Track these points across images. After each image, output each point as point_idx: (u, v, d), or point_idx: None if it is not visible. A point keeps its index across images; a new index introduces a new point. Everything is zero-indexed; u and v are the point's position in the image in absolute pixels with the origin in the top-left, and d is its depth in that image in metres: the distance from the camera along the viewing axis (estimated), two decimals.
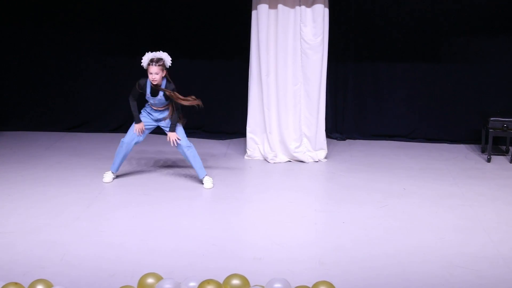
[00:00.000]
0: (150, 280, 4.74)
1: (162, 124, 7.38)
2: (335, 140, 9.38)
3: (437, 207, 6.82)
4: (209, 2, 9.26)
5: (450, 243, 5.92)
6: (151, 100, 7.22)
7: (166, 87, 7.13)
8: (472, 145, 9.16)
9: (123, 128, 9.68)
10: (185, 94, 9.62)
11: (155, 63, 7.01)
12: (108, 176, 7.52)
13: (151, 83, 7.08)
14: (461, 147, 9.11)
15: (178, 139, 7.24)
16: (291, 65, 8.16)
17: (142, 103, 7.42)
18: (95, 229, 6.15)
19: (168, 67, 7.14)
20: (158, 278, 4.77)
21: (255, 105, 8.37)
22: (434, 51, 9.19)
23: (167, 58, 7.11)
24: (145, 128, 7.37)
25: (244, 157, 8.55)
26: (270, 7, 7.99)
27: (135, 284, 4.85)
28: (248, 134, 8.47)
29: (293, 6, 7.99)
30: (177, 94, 7.11)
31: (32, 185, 7.33)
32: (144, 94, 7.22)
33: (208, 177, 7.42)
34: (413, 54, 9.21)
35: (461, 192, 7.29)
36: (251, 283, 4.79)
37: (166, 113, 7.30)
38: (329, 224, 6.42)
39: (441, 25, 9.09)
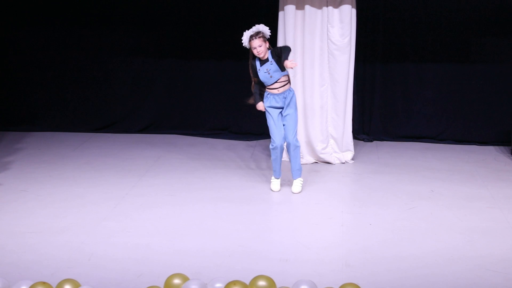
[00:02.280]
0: (176, 281, 4.74)
1: (283, 111, 7.08)
2: (362, 142, 9.34)
3: (466, 210, 6.75)
4: (236, 3, 9.27)
5: (479, 246, 5.85)
6: (264, 73, 6.91)
7: (272, 54, 6.90)
8: (502, 147, 9.06)
9: (151, 128, 9.75)
10: (213, 95, 9.70)
11: (255, 37, 6.86)
12: (275, 183, 7.39)
13: (258, 57, 6.91)
14: (490, 149, 9.02)
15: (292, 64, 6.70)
16: (318, 66, 8.13)
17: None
18: (122, 229, 6.18)
19: (268, 37, 6.95)
20: (185, 278, 4.77)
21: None
22: (463, 51, 9.12)
23: (264, 29, 6.92)
24: (275, 115, 7.07)
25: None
26: (297, 8, 7.98)
27: (161, 284, 4.86)
28: None
29: (320, 7, 7.97)
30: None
31: (60, 185, 7.39)
32: (254, 66, 6.96)
33: (299, 179, 7.31)
34: (442, 54, 9.15)
35: (490, 194, 7.22)
36: (278, 285, 4.78)
37: (288, 93, 7.00)
38: (356, 225, 6.39)
39: (471, 25, 9.01)
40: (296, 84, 8.18)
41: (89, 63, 9.71)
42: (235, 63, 9.44)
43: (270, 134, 7.19)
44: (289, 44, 8.03)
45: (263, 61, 6.94)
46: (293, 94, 7.08)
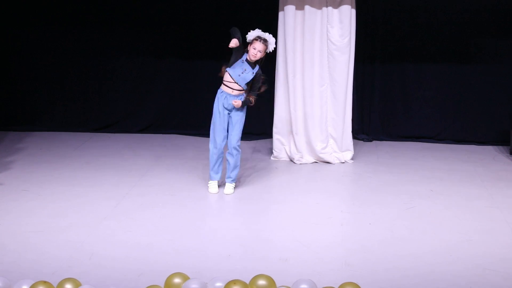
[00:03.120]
0: (176, 280, 4.74)
1: (232, 114, 7.12)
2: (361, 141, 9.35)
3: (465, 209, 6.76)
4: (236, 3, 9.28)
5: (477, 245, 5.87)
6: (239, 69, 6.92)
7: (257, 72, 6.93)
8: (501, 147, 9.08)
9: (151, 128, 9.75)
10: (213, 95, 9.71)
11: (261, 41, 6.85)
12: (212, 186, 7.28)
13: (250, 58, 6.87)
14: (489, 149, 9.04)
15: (237, 105, 6.90)
16: (318, 66, 8.14)
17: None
18: (123, 229, 6.18)
19: (269, 52, 6.95)
20: (185, 278, 4.77)
21: (281, 106, 8.37)
22: (462, 51, 9.13)
23: (272, 42, 6.90)
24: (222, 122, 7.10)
25: (270, 158, 8.55)
26: (297, 8, 7.99)
27: (162, 284, 4.85)
28: (274, 135, 8.47)
29: (320, 7, 7.97)
30: (261, 89, 7.01)
31: (61, 185, 7.39)
32: (238, 57, 6.91)
33: (232, 184, 7.30)
34: (441, 55, 9.15)
35: (489, 194, 7.23)
36: (277, 284, 4.78)
37: (240, 98, 7.02)
38: (355, 225, 6.39)
39: (470, 25, 9.02)
40: (296, 84, 8.20)
41: (89, 63, 9.70)
42: None
43: (211, 133, 7.15)
44: (288, 44, 8.06)
45: (249, 63, 6.93)
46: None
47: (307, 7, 7.96)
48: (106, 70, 9.73)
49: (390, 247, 5.83)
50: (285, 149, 8.47)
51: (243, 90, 7.01)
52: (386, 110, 9.46)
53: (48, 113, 9.84)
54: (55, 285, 4.68)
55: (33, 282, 4.69)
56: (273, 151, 8.52)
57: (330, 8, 7.94)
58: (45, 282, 4.65)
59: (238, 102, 6.92)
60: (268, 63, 8.92)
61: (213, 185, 7.24)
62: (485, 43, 9.06)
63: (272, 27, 8.51)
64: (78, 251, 5.66)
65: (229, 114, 7.09)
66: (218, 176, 7.25)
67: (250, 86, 6.98)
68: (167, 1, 9.46)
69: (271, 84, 8.60)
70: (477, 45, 9.09)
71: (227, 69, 7.00)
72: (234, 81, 6.96)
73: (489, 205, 6.88)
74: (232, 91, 7.00)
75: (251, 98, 6.96)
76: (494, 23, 8.95)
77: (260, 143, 9.27)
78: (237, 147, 7.16)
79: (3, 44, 9.72)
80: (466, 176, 7.84)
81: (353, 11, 8.01)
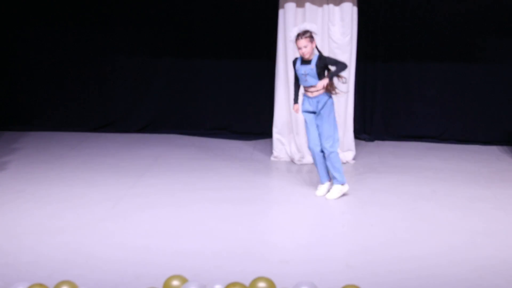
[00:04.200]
0: (175, 283, 4.71)
1: (318, 116, 6.87)
2: (363, 141, 9.32)
3: (468, 210, 6.72)
4: (236, 1, 9.24)
5: (481, 247, 5.82)
6: (301, 74, 6.74)
7: (317, 61, 6.71)
8: (505, 147, 9.06)
9: (149, 128, 9.73)
10: (213, 94, 9.68)
11: (302, 36, 6.65)
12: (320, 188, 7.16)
13: (303, 57, 6.73)
14: (493, 149, 9.01)
15: (322, 85, 6.66)
16: None
17: None
18: (120, 230, 6.14)
19: (315, 34, 6.75)
20: (183, 280, 4.74)
21: (281, 106, 8.33)
22: (465, 51, 9.11)
23: (312, 27, 6.71)
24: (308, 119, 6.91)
25: (270, 158, 8.51)
26: (297, 6, 7.96)
27: (160, 286, 4.82)
28: (275, 135, 8.43)
29: (320, 5, 7.94)
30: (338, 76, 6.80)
31: (58, 186, 7.36)
32: (296, 72, 6.82)
33: (337, 185, 7.07)
34: (444, 54, 9.14)
35: (493, 194, 7.18)
36: (278, 286, 4.74)
37: (322, 98, 6.79)
38: (357, 226, 6.36)
39: (473, 24, 9.01)
40: None
41: (87, 63, 9.70)
42: (235, 63, 9.44)
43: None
44: (289, 42, 7.99)
45: (304, 62, 6.76)
46: (328, 100, 6.80)
47: (307, 5, 7.93)
48: (104, 69, 9.73)
49: (392, 248, 5.79)
50: (286, 149, 8.43)
51: (322, 89, 6.76)
52: (388, 110, 9.42)
53: (44, 112, 9.83)
54: (51, 287, 4.62)
55: (29, 284, 4.66)
56: (273, 151, 8.48)
57: (331, 5, 7.93)
58: (41, 285, 4.62)
59: (322, 83, 6.63)
60: (268, 61, 8.93)
61: (319, 188, 7.13)
62: (489, 43, 9.04)
63: (272, 25, 8.47)
64: (74, 253, 5.62)
65: (316, 116, 6.89)
66: (324, 179, 7.09)
67: (325, 72, 6.74)
68: (166, 1, 9.43)
69: (271, 84, 8.56)
70: (481, 45, 9.07)
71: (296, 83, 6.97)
72: (306, 86, 6.82)
73: (493, 206, 6.84)
74: (312, 93, 6.82)
75: (330, 82, 6.69)
76: (498, 23, 8.95)
77: (260, 143, 9.24)
78: (327, 148, 6.90)
79: (0, 44, 9.69)
80: (470, 177, 7.80)
81: (355, 9, 7.98)
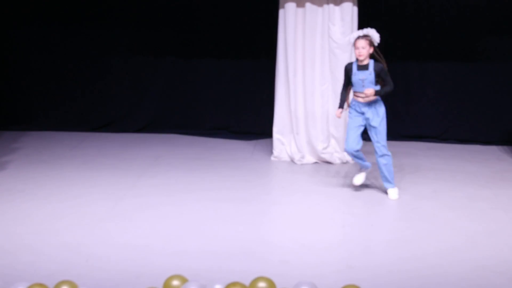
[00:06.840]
0: (175, 283, 4.70)
1: (369, 121, 6.94)
2: (363, 141, 9.28)
3: (469, 210, 6.71)
4: (236, 1, 9.24)
5: (481, 247, 5.82)
6: (359, 79, 6.78)
7: (374, 66, 6.76)
8: (505, 147, 9.05)
9: (149, 128, 9.73)
10: (213, 94, 9.68)
11: (362, 37, 6.72)
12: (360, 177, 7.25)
13: (358, 58, 6.77)
14: (494, 149, 9.01)
15: (370, 93, 6.72)
16: (319, 65, 8.11)
17: None
18: (120, 230, 6.13)
19: (376, 44, 6.78)
20: (183, 280, 4.73)
21: (282, 106, 8.32)
22: (466, 50, 9.11)
23: (375, 34, 6.76)
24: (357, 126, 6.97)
25: (270, 158, 8.50)
26: (297, 6, 7.96)
27: (160, 286, 4.82)
28: (275, 135, 8.42)
29: (321, 5, 7.94)
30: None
31: (58, 185, 7.35)
32: (349, 73, 6.83)
33: (394, 189, 7.13)
34: (444, 53, 9.14)
35: (493, 195, 7.17)
36: (278, 286, 4.74)
37: (374, 106, 6.89)
38: (357, 226, 6.35)
39: (474, 24, 9.00)
40: (297, 82, 8.15)
41: (87, 62, 9.69)
42: (235, 63, 9.44)
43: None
44: (289, 42, 8.02)
45: (361, 67, 6.80)
46: (380, 103, 6.92)
47: (308, 4, 7.93)
48: (104, 69, 9.72)
49: (393, 248, 5.79)
50: (286, 149, 8.42)
51: (370, 96, 6.80)
52: (388, 109, 9.36)
53: (44, 112, 9.83)
54: (51, 287, 4.62)
55: (29, 284, 4.64)
56: (274, 151, 8.46)
57: (331, 5, 7.92)
58: (41, 284, 4.60)
59: (370, 91, 6.71)
60: (268, 61, 8.92)
61: (357, 175, 7.25)
62: (489, 42, 9.04)
63: (272, 25, 8.47)
64: (74, 252, 5.62)
65: (365, 118, 6.93)
66: (365, 167, 7.19)
67: (381, 83, 6.82)
68: (166, 1, 9.43)
69: (271, 83, 8.55)
70: (481, 45, 9.07)
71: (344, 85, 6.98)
72: (361, 91, 6.83)
73: (493, 206, 6.83)
74: (363, 99, 6.85)
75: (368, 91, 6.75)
76: (498, 23, 8.94)
77: (260, 143, 9.23)
78: (384, 150, 7.00)
79: None
80: (470, 177, 7.80)
81: (355, 9, 7.98)
